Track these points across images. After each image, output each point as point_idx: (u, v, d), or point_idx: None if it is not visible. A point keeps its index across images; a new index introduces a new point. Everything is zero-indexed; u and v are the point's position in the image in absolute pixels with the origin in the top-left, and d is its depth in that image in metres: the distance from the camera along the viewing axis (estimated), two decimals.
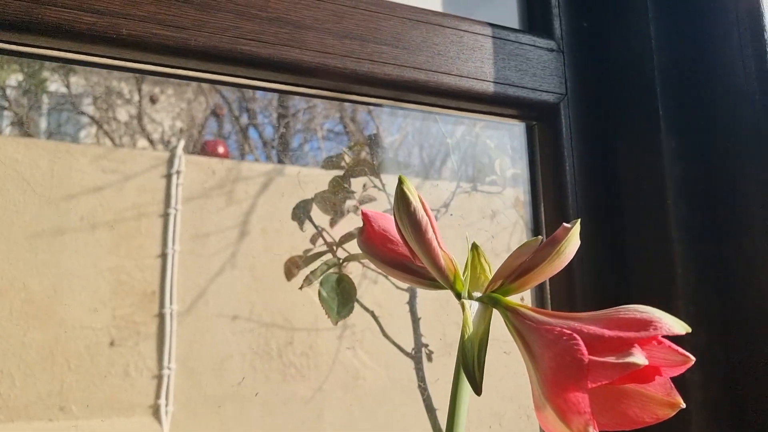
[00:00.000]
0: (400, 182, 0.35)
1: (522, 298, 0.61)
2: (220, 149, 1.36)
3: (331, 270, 0.62)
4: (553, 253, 0.36)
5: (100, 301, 1.17)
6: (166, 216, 1.23)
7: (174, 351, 1.21)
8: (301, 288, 0.65)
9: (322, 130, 1.57)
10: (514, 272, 0.37)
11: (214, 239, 1.26)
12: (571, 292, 0.49)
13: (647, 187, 0.51)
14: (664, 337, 0.31)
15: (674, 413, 0.33)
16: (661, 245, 0.49)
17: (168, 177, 1.25)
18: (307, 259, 0.63)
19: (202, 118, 1.60)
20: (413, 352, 0.75)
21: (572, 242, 0.37)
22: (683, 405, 0.32)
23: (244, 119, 1.52)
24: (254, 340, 1.27)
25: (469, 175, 0.94)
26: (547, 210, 0.52)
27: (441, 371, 0.82)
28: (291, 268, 0.64)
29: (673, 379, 0.48)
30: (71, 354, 1.14)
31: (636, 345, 0.29)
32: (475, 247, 0.40)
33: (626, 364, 0.28)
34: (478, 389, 0.34)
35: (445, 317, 0.97)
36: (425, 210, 0.35)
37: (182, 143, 1.27)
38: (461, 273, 0.38)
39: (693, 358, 0.31)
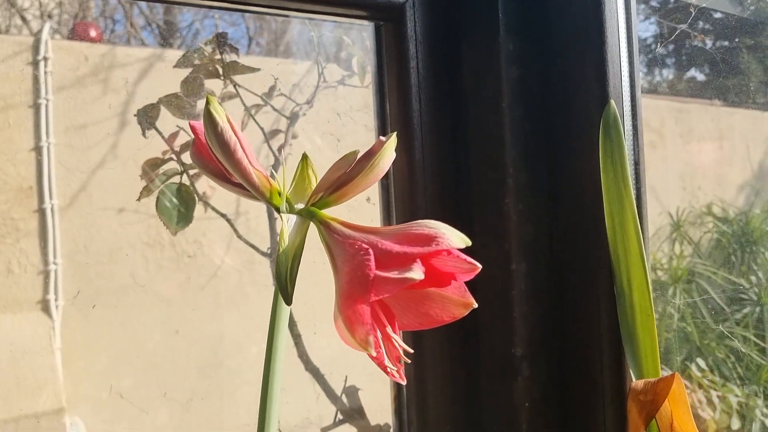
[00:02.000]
0: (208, 102, 0.35)
1: (368, 198, 0.64)
2: (92, 32, 1.27)
3: (172, 180, 0.61)
4: (368, 167, 0.38)
5: None
6: (36, 107, 1.16)
7: (59, 246, 1.19)
8: (138, 199, 0.64)
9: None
10: (333, 185, 0.38)
11: (92, 130, 1.21)
12: (414, 196, 0.51)
13: (487, 89, 0.52)
14: (460, 250, 0.34)
15: (468, 312, 0.36)
16: (496, 147, 0.51)
17: (35, 64, 1.16)
18: (151, 164, 0.62)
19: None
20: (269, 252, 0.78)
21: (386, 155, 0.38)
22: (475, 305, 0.36)
23: None
24: (144, 232, 1.26)
25: (331, 73, 0.93)
26: (392, 111, 0.53)
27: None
28: (143, 192, 0.63)
29: (503, 272, 0.52)
30: None
31: (417, 260, 0.31)
32: (304, 158, 0.41)
33: (404, 279, 0.30)
34: (288, 299, 0.36)
35: None
36: (233, 130, 0.35)
37: (47, 26, 1.18)
38: (280, 185, 0.39)
39: (479, 266, 0.34)
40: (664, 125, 2.28)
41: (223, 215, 0.77)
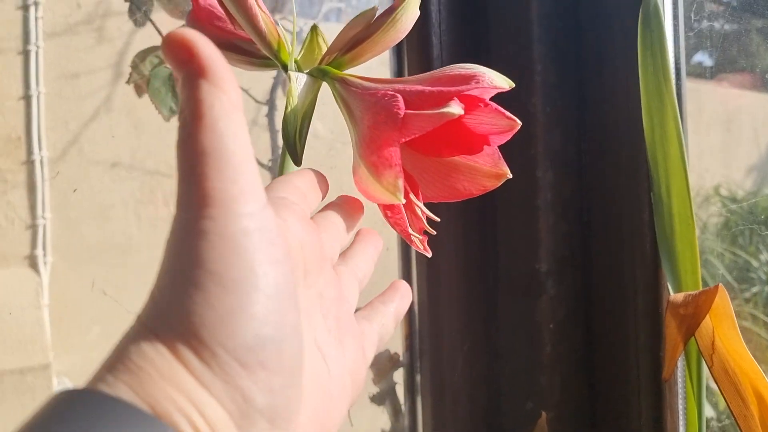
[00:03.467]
0: None
1: None
2: None
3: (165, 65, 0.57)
4: (387, 22, 0.33)
5: None
6: (26, 53, 1.11)
7: (48, 200, 1.14)
8: (128, 81, 0.59)
9: None
10: (348, 44, 0.34)
11: (85, 80, 1.15)
12: (428, 63, 0.47)
13: None
14: (491, 100, 0.30)
15: (500, 183, 0.32)
16: (522, 40, 0.47)
17: (24, 8, 1.11)
18: (140, 54, 0.57)
19: None
20: (269, 164, 0.73)
21: (409, 11, 0.34)
22: (509, 175, 0.32)
23: None
24: (138, 189, 1.21)
25: None
26: None
27: None
28: (132, 74, 0.58)
29: (527, 179, 0.47)
30: None
31: (455, 98, 0.27)
32: (314, 27, 0.36)
33: (441, 114, 0.26)
34: (297, 160, 0.31)
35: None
36: None
37: None
38: (290, 46, 0.34)
39: (519, 122, 0.29)
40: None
41: None
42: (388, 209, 0.30)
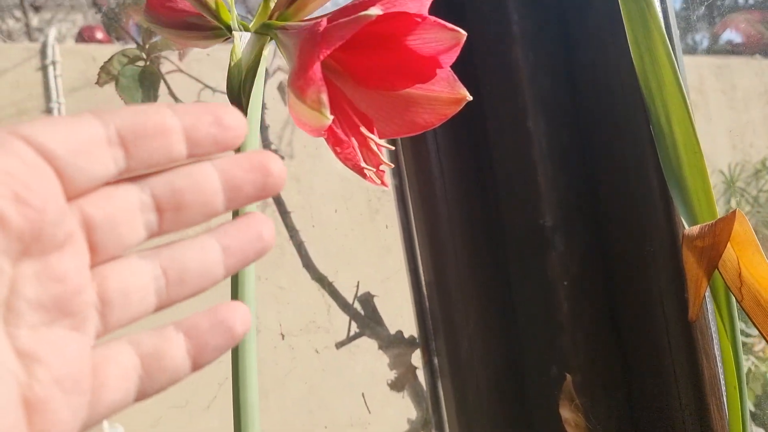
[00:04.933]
0: None
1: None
2: (99, 35, 1.27)
3: (134, 64, 0.57)
4: None
5: None
6: (49, 111, 1.15)
7: None
8: (97, 82, 0.60)
9: None
10: None
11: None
12: None
13: None
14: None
15: (460, 108, 0.30)
16: None
17: (44, 69, 1.16)
18: (114, 58, 0.58)
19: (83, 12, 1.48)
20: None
21: None
22: (469, 97, 0.30)
23: None
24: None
25: None
26: None
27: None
28: (101, 74, 0.59)
29: (519, 130, 0.45)
30: None
31: (377, 5, 0.25)
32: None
33: (358, 17, 0.25)
34: (243, 110, 0.30)
35: (292, 128, 0.92)
36: None
37: (53, 32, 1.17)
38: (230, 6, 0.34)
39: (464, 33, 0.28)
40: (703, 83, 2.17)
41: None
42: (336, 146, 0.28)
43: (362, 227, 0.96)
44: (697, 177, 0.41)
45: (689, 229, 0.40)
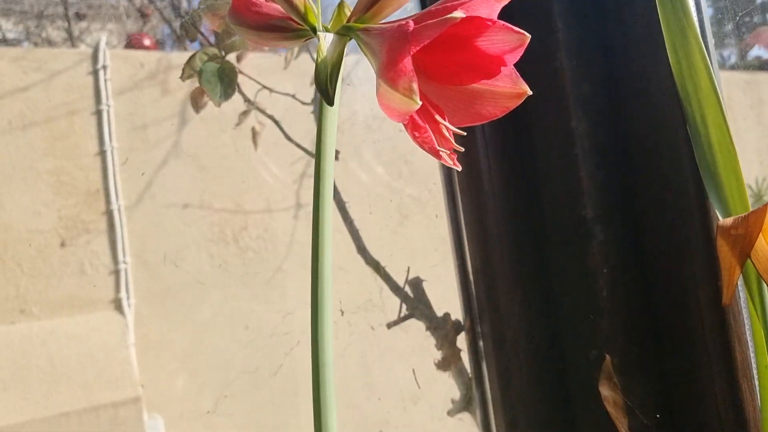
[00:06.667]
0: None
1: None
2: (147, 42, 1.32)
3: (214, 61, 0.61)
4: None
5: (43, 204, 1.16)
6: (98, 113, 1.21)
7: (128, 245, 1.21)
8: (181, 77, 0.64)
9: None
10: (367, 4, 0.37)
11: (153, 131, 1.24)
12: None
13: None
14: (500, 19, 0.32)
15: (521, 102, 0.34)
16: (542, 2, 0.49)
17: (95, 73, 1.22)
18: (196, 55, 0.63)
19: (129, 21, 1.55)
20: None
21: None
22: (530, 92, 0.33)
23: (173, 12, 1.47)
24: (208, 228, 1.27)
25: None
26: None
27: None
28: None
29: (563, 131, 0.49)
30: (22, 258, 1.14)
31: (459, 9, 0.29)
32: (341, 3, 0.40)
33: (444, 20, 0.28)
34: (330, 100, 0.34)
35: (349, 125, 0.97)
36: None
37: (104, 38, 1.23)
38: (316, 11, 0.38)
39: (528, 35, 0.31)
40: (731, 98, 2.19)
41: (270, 116, 0.76)
42: (415, 131, 0.32)
43: (414, 217, 1.00)
44: (730, 173, 0.44)
45: (724, 220, 0.43)
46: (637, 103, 0.48)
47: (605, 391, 0.46)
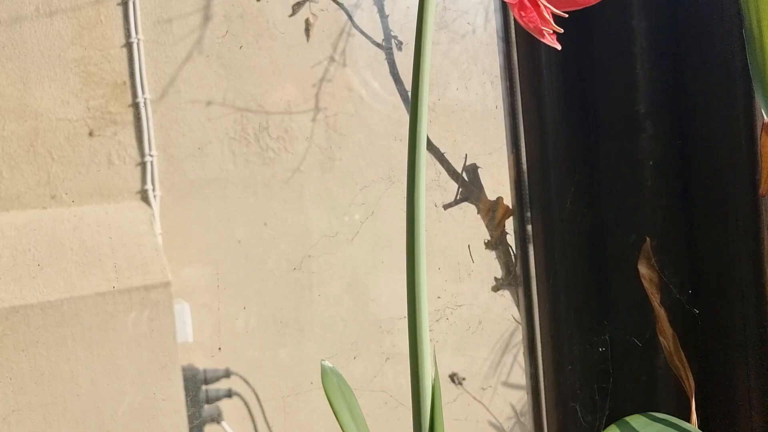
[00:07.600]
0: None
1: None
2: None
3: None
4: None
5: (72, 93, 1.17)
6: (124, 4, 1.20)
7: (153, 139, 1.24)
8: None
9: None
10: None
11: (177, 25, 1.24)
12: None
13: None
14: None
15: None
16: None
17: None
18: None
19: None
20: (383, 43, 0.79)
21: None
22: None
23: None
24: (230, 126, 1.30)
25: None
26: None
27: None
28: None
29: (624, 29, 0.52)
30: (52, 145, 1.16)
31: None
32: None
33: None
34: None
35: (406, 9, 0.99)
36: None
37: None
38: None
39: None
40: None
41: (340, 4, 0.78)
42: (522, 11, 0.35)
43: (475, 107, 1.03)
44: None
45: None
46: (696, 5, 0.51)
47: (643, 269, 0.51)
